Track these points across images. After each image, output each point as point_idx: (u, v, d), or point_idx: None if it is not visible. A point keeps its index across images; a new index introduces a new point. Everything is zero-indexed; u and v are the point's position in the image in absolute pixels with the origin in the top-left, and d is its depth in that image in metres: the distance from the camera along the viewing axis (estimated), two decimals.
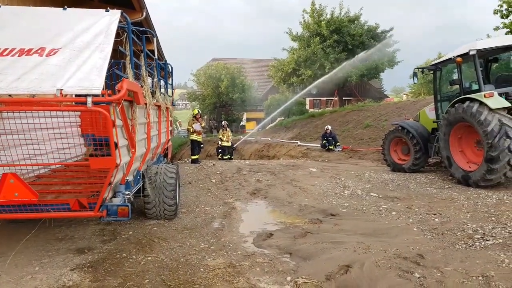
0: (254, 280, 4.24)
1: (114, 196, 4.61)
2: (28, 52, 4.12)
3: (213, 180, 10.06)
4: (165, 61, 8.53)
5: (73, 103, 4.34)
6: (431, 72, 9.58)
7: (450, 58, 8.57)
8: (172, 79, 9.29)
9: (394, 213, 6.66)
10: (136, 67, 5.68)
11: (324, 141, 16.82)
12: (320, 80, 22.08)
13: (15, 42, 4.19)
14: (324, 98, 38.69)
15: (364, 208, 7.08)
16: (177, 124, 46.42)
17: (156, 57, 6.76)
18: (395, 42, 24.69)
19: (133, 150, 4.65)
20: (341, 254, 4.86)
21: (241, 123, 33.46)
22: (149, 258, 4.85)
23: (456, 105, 8.19)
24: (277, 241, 5.46)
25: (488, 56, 9.01)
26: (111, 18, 4.53)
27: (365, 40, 23.47)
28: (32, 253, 4.97)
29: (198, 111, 13.83)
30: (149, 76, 6.59)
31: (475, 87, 8.35)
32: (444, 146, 8.65)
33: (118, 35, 4.78)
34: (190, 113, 40.31)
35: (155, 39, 6.62)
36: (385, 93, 54.36)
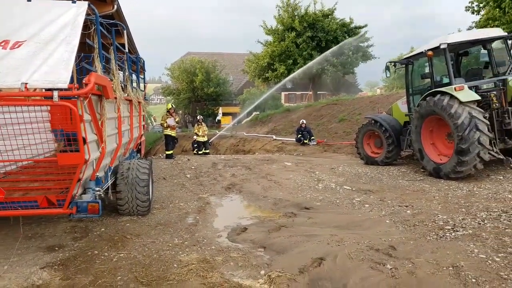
0: (228, 274, 4.22)
1: (84, 192, 4.48)
2: None
3: (188, 175, 9.95)
4: (137, 54, 8.33)
5: (39, 98, 4.17)
6: (403, 66, 9.75)
7: (422, 52, 8.73)
8: (144, 73, 9.10)
9: (367, 205, 6.76)
10: (106, 61, 5.53)
11: (299, 135, 16.92)
12: (293, 74, 22.14)
13: None
14: (299, 92, 38.89)
15: (337, 201, 7.16)
16: (152, 119, 45.66)
17: (127, 50, 6.58)
18: (367, 39, 25.01)
19: (102, 145, 4.51)
20: (315, 247, 4.89)
21: (217, 118, 33.22)
22: (122, 255, 4.74)
23: (427, 98, 8.36)
24: (251, 235, 5.45)
25: (459, 50, 9.23)
26: (78, 10, 4.37)
27: (339, 35, 23.67)
28: (1, 252, 4.78)
29: (172, 106, 13.66)
30: (119, 70, 6.42)
31: (446, 80, 8.53)
32: (416, 139, 8.83)
33: (87, 27, 4.63)
34: (165, 108, 39.80)
35: (125, 31, 6.44)
36: (359, 87, 55.11)
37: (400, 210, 6.33)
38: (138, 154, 8.76)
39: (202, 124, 17.12)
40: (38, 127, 6.12)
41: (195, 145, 17.05)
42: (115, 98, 5.15)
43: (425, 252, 4.58)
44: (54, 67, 3.76)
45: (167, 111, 13.43)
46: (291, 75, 22.59)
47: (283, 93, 40.21)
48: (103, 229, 5.70)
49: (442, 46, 7.98)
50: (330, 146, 15.87)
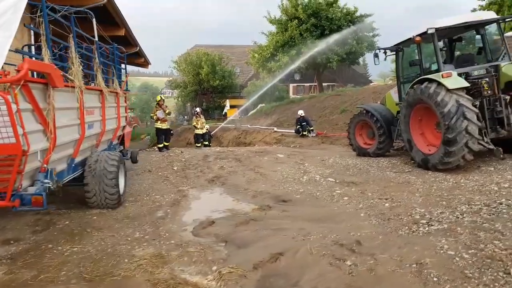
0: (178, 270, 4.06)
1: (32, 185, 4.34)
2: None
3: (175, 168, 9.80)
4: (114, 45, 8.06)
5: None
6: (394, 53, 9.34)
7: (410, 38, 8.31)
8: (125, 64, 8.91)
9: (346, 198, 6.50)
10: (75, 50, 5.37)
11: (298, 126, 16.62)
12: (295, 64, 21.72)
13: None
14: (308, 84, 38.35)
15: (318, 194, 6.91)
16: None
17: (96, 39, 6.40)
18: (373, 29, 24.23)
19: (51, 136, 4.35)
20: (278, 241, 4.69)
21: (224, 111, 32.99)
22: (75, 249, 4.62)
23: (415, 86, 7.98)
24: (217, 229, 5.27)
25: (452, 36, 8.79)
26: None
27: (344, 24, 23.09)
28: None
29: (161, 98, 13.30)
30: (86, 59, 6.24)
31: (435, 67, 8.12)
32: (405, 128, 8.45)
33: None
34: (173, 101, 39.53)
35: (94, 20, 6.25)
36: (371, 78, 54.16)
37: (378, 203, 6.06)
38: (121, 146, 8.62)
39: (200, 117, 17.00)
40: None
41: (196, 138, 16.95)
42: (73, 87, 4.97)
43: (391, 247, 4.32)
44: None
45: (157, 103, 13.13)
46: (292, 66, 22.13)
47: (291, 85, 39.71)
48: (67, 222, 5.59)
49: (429, 31, 7.56)
50: (328, 138, 15.57)
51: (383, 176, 7.94)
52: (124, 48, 15.27)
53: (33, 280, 3.86)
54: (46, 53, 4.30)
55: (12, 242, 4.86)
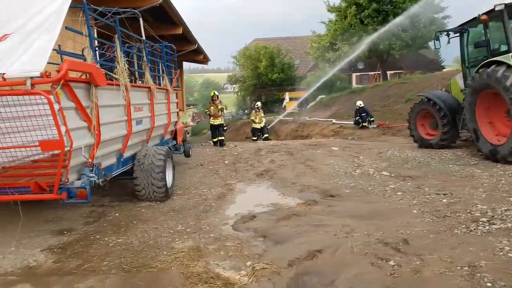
0: (213, 264, 4.04)
1: (79, 178, 4.57)
2: None
3: (226, 162, 9.90)
4: (164, 43, 8.21)
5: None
6: (457, 35, 8.50)
7: (476, 17, 7.48)
8: (176, 61, 9.10)
9: (399, 193, 6.08)
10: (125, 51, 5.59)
11: (358, 117, 15.97)
12: (355, 53, 20.77)
13: None
14: (372, 73, 36.74)
15: (369, 188, 6.55)
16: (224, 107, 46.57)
17: (144, 38, 6.59)
18: (442, 9, 22.16)
19: (96, 132, 4.55)
20: (319, 238, 4.50)
21: (283, 103, 32.78)
22: (120, 240, 4.80)
23: (481, 70, 7.20)
24: (257, 224, 5.19)
25: None
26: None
27: (408, 7, 21.57)
28: (17, 234, 5.07)
29: (215, 93, 13.33)
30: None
31: (504, 48, 7.24)
32: (470, 117, 7.68)
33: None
34: (236, 97, 40.15)
35: (141, 20, 6.43)
36: (443, 64, 50.31)
37: (435, 199, 5.59)
38: (174, 141, 8.86)
39: (259, 111, 16.97)
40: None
41: (253, 132, 17.02)
42: (117, 85, 5.15)
43: (443, 248, 3.94)
44: (33, 56, 3.83)
45: (211, 99, 13.23)
46: (351, 55, 21.20)
47: (354, 75, 38.32)
48: (117, 214, 5.85)
49: (497, 8, 6.76)
50: (390, 129, 14.78)
51: (444, 169, 7.32)
52: (182, 46, 15.79)
53: (77, 269, 4.06)
54: (88, 53, 4.50)
55: (65, 232, 5.18)
